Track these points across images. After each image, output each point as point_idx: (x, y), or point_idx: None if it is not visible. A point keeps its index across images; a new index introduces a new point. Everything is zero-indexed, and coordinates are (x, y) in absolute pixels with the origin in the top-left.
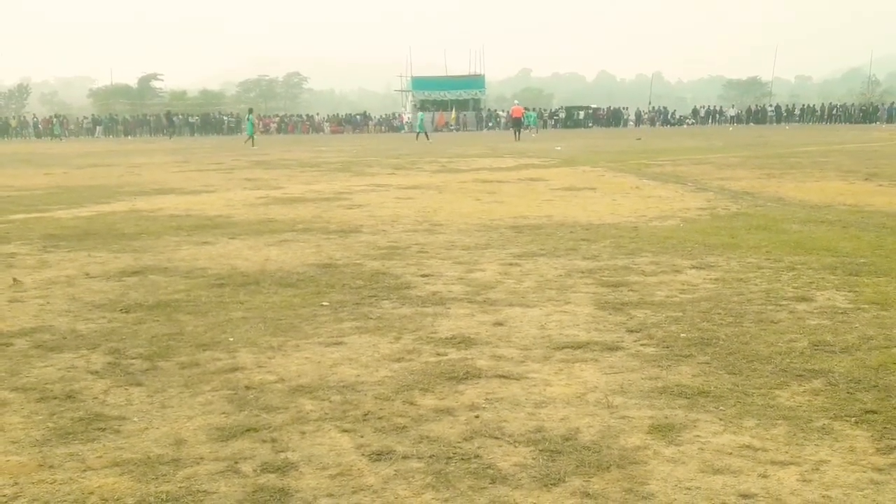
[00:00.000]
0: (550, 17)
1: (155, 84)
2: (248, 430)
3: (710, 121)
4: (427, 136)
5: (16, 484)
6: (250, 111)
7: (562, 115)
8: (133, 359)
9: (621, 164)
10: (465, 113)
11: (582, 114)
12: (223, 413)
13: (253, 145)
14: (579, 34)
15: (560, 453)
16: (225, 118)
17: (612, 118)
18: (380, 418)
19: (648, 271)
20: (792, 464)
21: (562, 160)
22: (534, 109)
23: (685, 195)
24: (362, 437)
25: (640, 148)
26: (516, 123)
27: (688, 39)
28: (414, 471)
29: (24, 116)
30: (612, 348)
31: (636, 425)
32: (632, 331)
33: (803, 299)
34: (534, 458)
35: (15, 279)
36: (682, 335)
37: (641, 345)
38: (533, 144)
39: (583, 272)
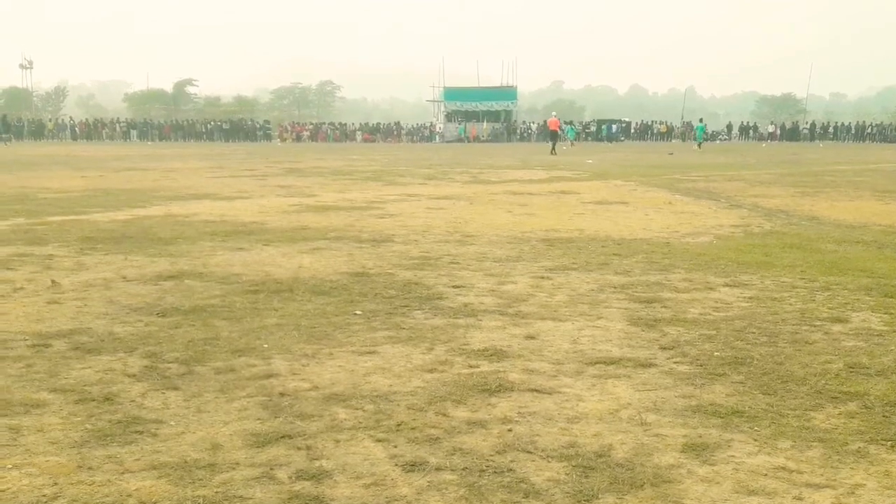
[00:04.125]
0: (583, 30)
1: (190, 90)
2: (282, 437)
3: (744, 137)
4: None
5: (55, 484)
6: None
7: (593, 127)
8: (170, 363)
9: (653, 178)
10: (495, 124)
11: (614, 127)
12: (258, 419)
13: None
14: (612, 47)
15: (593, 469)
16: (257, 125)
17: (643, 132)
18: (413, 429)
19: (681, 288)
20: (827, 487)
21: (593, 173)
22: (571, 122)
23: (718, 211)
24: (396, 447)
25: (672, 162)
26: (553, 136)
27: (721, 55)
28: (447, 483)
29: (62, 119)
30: (645, 365)
31: (670, 444)
32: (665, 348)
33: (838, 320)
34: (567, 474)
35: (53, 281)
36: (715, 353)
37: (675, 362)
38: (564, 157)
39: (615, 287)
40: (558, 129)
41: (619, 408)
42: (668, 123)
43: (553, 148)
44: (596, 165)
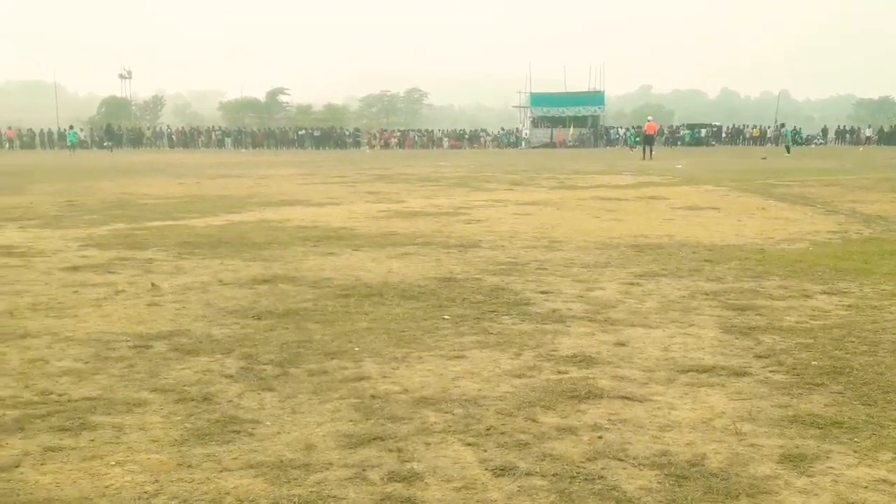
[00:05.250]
0: (673, 33)
1: (282, 98)
2: (374, 439)
3: (840, 141)
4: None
5: (156, 481)
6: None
7: (683, 132)
8: (265, 364)
9: (746, 183)
10: (582, 129)
11: (703, 131)
12: (350, 421)
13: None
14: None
15: (686, 479)
16: (347, 132)
17: (734, 136)
18: (502, 433)
19: (776, 295)
20: None
21: (683, 178)
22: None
23: (814, 217)
24: (485, 451)
25: (765, 167)
26: (648, 141)
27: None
28: (537, 488)
29: (159, 127)
30: (740, 374)
31: (766, 454)
32: (760, 356)
33: None
34: (659, 483)
35: (153, 284)
36: (813, 363)
37: (770, 371)
38: (653, 162)
39: (707, 294)
40: (654, 134)
41: (713, 417)
42: (761, 127)
43: (646, 153)
44: (686, 170)
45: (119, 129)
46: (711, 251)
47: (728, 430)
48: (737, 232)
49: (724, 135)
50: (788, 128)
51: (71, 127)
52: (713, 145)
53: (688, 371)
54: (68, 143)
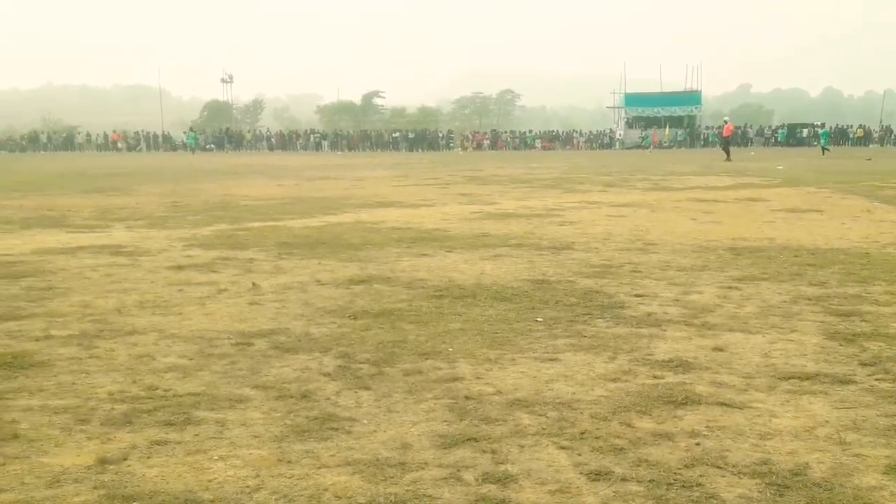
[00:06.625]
0: (773, 31)
1: (376, 101)
2: (468, 440)
3: None
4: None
5: (257, 476)
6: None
7: (781, 132)
8: (361, 363)
9: (850, 185)
10: (678, 130)
11: (805, 131)
12: (445, 421)
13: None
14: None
15: (788, 488)
16: (440, 134)
17: (840, 136)
18: (597, 437)
19: (883, 301)
20: None
21: (784, 180)
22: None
23: None
24: (580, 455)
25: (870, 169)
26: (726, 142)
27: None
28: (633, 494)
29: (259, 130)
30: (844, 381)
31: (871, 464)
32: (865, 364)
33: None
34: (760, 492)
35: (254, 283)
36: None
37: (876, 379)
38: (752, 163)
39: (809, 299)
40: (731, 136)
41: (816, 425)
42: (866, 127)
43: (728, 154)
44: (786, 171)
45: (220, 133)
46: (814, 255)
47: (832, 440)
48: (840, 235)
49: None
50: (823, 129)
51: (191, 129)
52: (815, 146)
53: (789, 378)
54: (188, 145)
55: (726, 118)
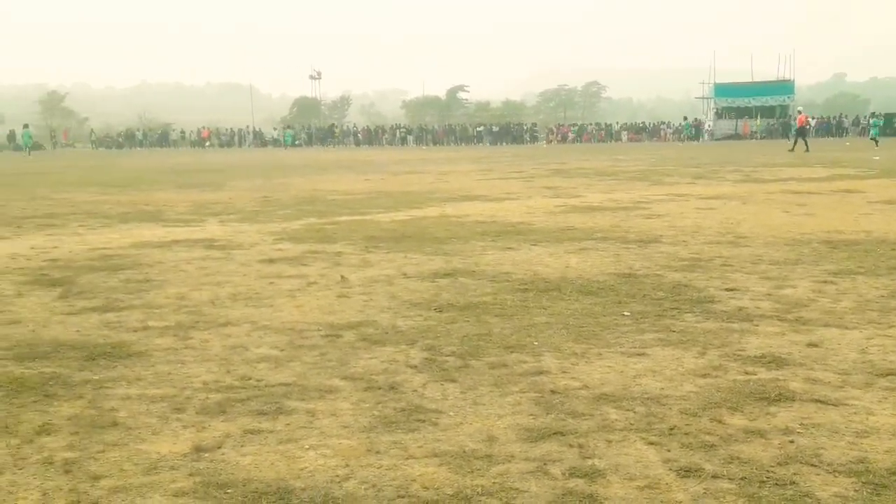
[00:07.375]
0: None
1: (461, 95)
2: (555, 434)
3: None
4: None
5: (347, 466)
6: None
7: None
8: (447, 356)
9: None
10: (770, 120)
11: None
12: (531, 415)
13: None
14: None
15: (886, 487)
16: (525, 127)
17: None
18: (686, 434)
19: None
20: None
21: (881, 171)
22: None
23: None
24: (669, 451)
25: None
26: (801, 133)
27: None
28: (724, 491)
29: (346, 125)
30: None
31: None
32: None
33: None
34: (856, 491)
35: (342, 276)
36: None
37: None
38: (848, 154)
39: None
40: (804, 126)
41: None
42: None
43: (795, 144)
44: (884, 162)
45: (309, 129)
46: None
47: None
48: None
49: None
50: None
51: (288, 127)
52: None
53: (887, 375)
54: (284, 142)
55: (800, 108)
